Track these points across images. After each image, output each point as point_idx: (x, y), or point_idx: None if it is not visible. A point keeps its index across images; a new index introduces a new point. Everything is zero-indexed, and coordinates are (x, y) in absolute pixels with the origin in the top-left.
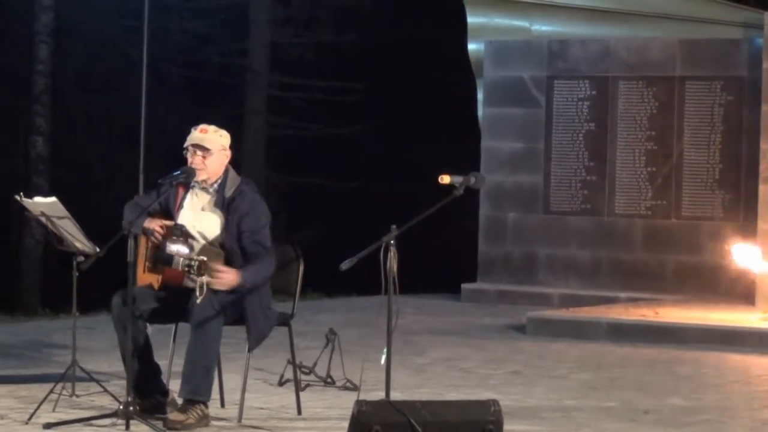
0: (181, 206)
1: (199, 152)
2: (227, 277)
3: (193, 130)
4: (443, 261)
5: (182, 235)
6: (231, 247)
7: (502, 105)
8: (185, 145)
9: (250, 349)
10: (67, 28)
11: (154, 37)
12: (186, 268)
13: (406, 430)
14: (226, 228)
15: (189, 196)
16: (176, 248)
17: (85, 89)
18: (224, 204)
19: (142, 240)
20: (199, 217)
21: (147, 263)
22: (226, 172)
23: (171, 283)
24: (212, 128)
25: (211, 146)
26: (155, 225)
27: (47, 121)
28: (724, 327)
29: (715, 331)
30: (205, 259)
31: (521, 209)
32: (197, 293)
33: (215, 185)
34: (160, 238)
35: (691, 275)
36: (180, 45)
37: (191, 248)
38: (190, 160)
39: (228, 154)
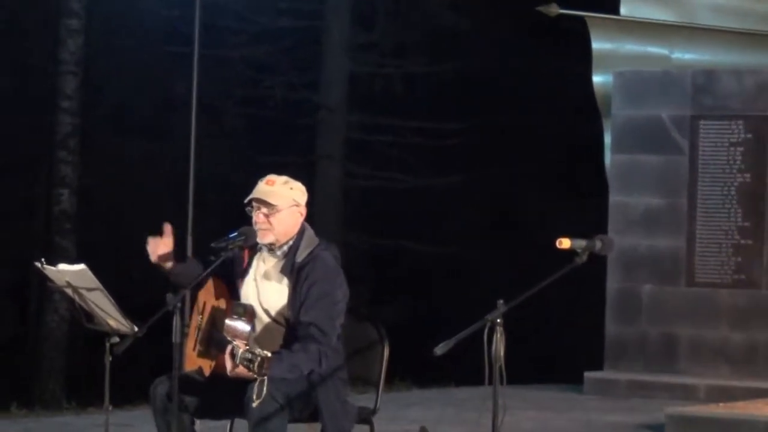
0: (245, 273)
1: (263, 209)
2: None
3: (260, 182)
4: (562, 344)
5: (246, 314)
6: (295, 324)
7: (634, 151)
8: (246, 199)
9: None
10: (100, 57)
11: (205, 66)
12: (246, 363)
13: None
14: (291, 300)
15: (255, 260)
16: (234, 326)
17: (121, 131)
18: (293, 270)
19: (194, 317)
20: (263, 286)
21: (198, 345)
22: (301, 232)
23: (225, 371)
24: (281, 180)
25: (278, 202)
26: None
27: (74, 171)
28: None
29: None
30: (269, 354)
31: (659, 280)
32: (254, 395)
33: (284, 247)
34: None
35: None
36: (238, 77)
37: (253, 328)
38: (253, 218)
39: (302, 211)
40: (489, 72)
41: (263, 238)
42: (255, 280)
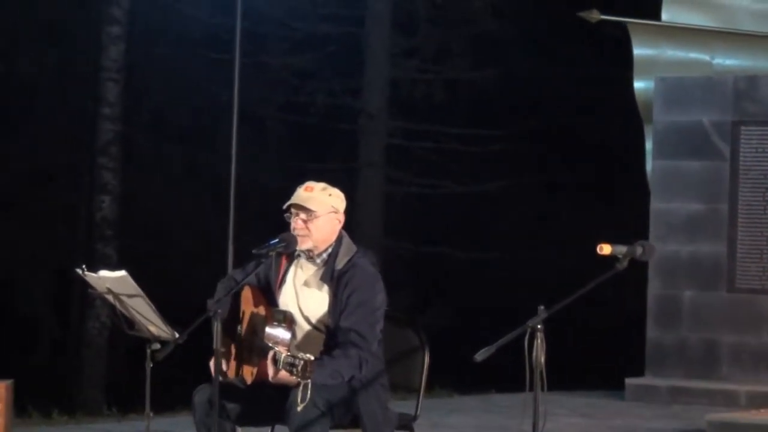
0: (283, 281)
1: (301, 215)
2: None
3: (299, 188)
4: (603, 350)
5: (285, 321)
6: (335, 331)
7: (676, 157)
8: (285, 205)
9: None
10: (141, 63)
11: (247, 73)
12: (288, 368)
13: None
14: (332, 307)
15: (293, 268)
16: (275, 333)
17: (163, 138)
18: (333, 278)
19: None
20: (303, 294)
21: (240, 352)
22: (339, 239)
23: (267, 378)
24: (320, 186)
25: (317, 208)
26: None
27: (116, 177)
28: None
29: None
30: (312, 358)
31: (700, 286)
32: (299, 399)
33: (324, 255)
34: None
35: None
36: (279, 83)
37: (294, 335)
38: (292, 225)
39: (340, 218)
40: (530, 78)
41: (301, 245)
42: (294, 287)
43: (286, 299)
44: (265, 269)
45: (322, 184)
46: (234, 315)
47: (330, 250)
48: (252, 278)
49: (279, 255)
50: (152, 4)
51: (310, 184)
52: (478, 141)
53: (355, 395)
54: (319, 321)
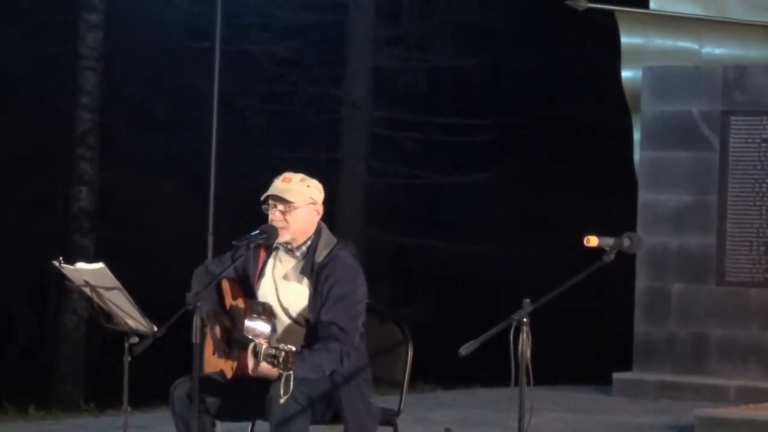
0: (262, 274)
1: (279, 206)
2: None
3: (276, 179)
4: (589, 344)
5: (264, 312)
6: (315, 324)
7: (664, 147)
8: (262, 197)
9: None
10: (120, 52)
11: (227, 62)
12: (269, 359)
13: None
14: (312, 301)
15: (271, 260)
16: (255, 326)
17: (141, 127)
18: (312, 271)
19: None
20: (283, 287)
21: (218, 345)
22: (318, 232)
23: (247, 372)
24: (298, 177)
25: (295, 199)
26: (218, 326)
27: (94, 168)
28: None
29: None
30: (294, 349)
31: (689, 279)
32: (281, 391)
33: (303, 248)
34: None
35: None
36: (261, 72)
37: (274, 328)
38: (270, 216)
39: (319, 209)
40: (516, 67)
41: (281, 237)
42: (273, 280)
43: (265, 292)
44: (243, 261)
45: (300, 175)
46: (222, 307)
47: (309, 242)
48: (230, 270)
49: (258, 247)
50: None
51: (287, 175)
52: (463, 131)
53: (337, 390)
54: (300, 315)
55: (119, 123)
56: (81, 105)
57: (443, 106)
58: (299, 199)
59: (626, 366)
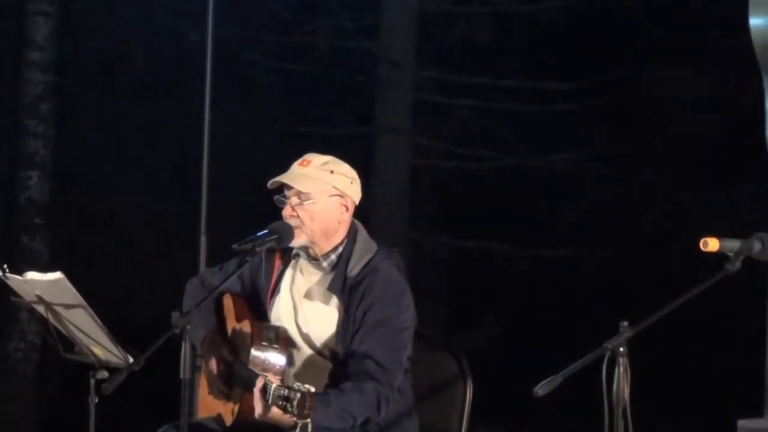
0: (277, 289)
1: (293, 198)
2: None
3: (295, 163)
4: (706, 381)
5: (278, 340)
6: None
7: None
8: (269, 182)
9: None
10: None
11: (224, 4)
12: (281, 402)
13: None
14: (342, 327)
15: (290, 271)
16: (264, 357)
17: (111, 92)
18: (344, 288)
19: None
20: (304, 307)
21: (215, 383)
22: (352, 236)
23: (252, 417)
24: (321, 160)
25: (311, 188)
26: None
27: (47, 146)
28: None
29: None
30: (312, 389)
31: None
32: None
33: (332, 256)
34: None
35: None
36: (269, 19)
37: (290, 360)
38: (283, 211)
39: (348, 204)
40: (608, 13)
41: (296, 239)
42: (292, 298)
43: (280, 313)
44: (252, 270)
45: (326, 158)
46: (222, 332)
47: (341, 249)
48: (233, 282)
49: (271, 252)
50: None
51: (308, 157)
52: (539, 97)
53: None
54: (325, 344)
55: (81, 86)
56: (30, 63)
57: (512, 65)
58: (317, 189)
59: (755, 411)
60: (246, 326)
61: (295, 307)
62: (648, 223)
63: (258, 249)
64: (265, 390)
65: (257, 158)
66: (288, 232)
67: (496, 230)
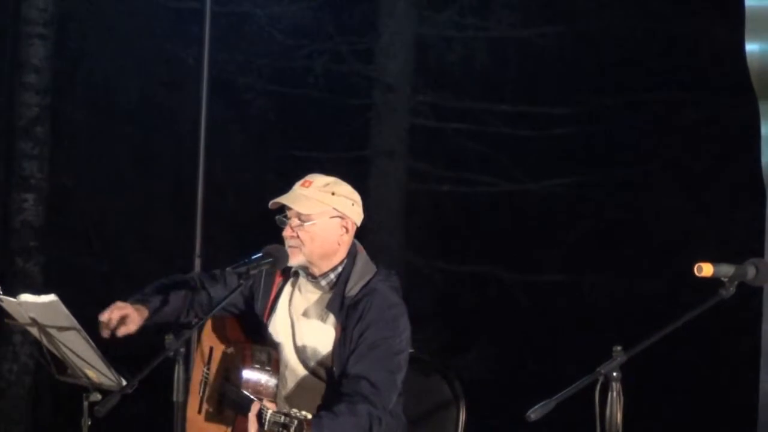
0: (274, 306)
1: (293, 220)
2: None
3: (297, 183)
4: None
5: (270, 362)
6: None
7: None
8: (270, 203)
9: None
10: (78, 15)
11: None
12: (277, 429)
13: None
14: (338, 347)
15: (288, 289)
16: (256, 379)
17: (106, 115)
18: (342, 308)
19: (197, 362)
20: (301, 326)
21: (206, 404)
22: (352, 257)
23: None
24: (322, 181)
25: (311, 210)
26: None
27: (43, 169)
28: None
29: None
30: (309, 416)
31: None
32: None
33: (331, 276)
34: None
35: None
36: (264, 42)
37: (283, 382)
38: (284, 232)
39: (348, 225)
40: (605, 38)
41: (293, 260)
42: (290, 315)
43: (278, 333)
44: (250, 289)
45: (327, 179)
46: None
47: (340, 269)
48: (235, 298)
49: (272, 269)
50: None
51: (310, 177)
52: (534, 122)
53: None
54: (320, 362)
55: (77, 110)
56: (26, 85)
57: (508, 89)
58: (317, 210)
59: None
60: (237, 348)
61: (292, 325)
62: (644, 248)
63: (252, 272)
64: (260, 415)
65: (253, 182)
66: (283, 255)
67: (490, 254)
